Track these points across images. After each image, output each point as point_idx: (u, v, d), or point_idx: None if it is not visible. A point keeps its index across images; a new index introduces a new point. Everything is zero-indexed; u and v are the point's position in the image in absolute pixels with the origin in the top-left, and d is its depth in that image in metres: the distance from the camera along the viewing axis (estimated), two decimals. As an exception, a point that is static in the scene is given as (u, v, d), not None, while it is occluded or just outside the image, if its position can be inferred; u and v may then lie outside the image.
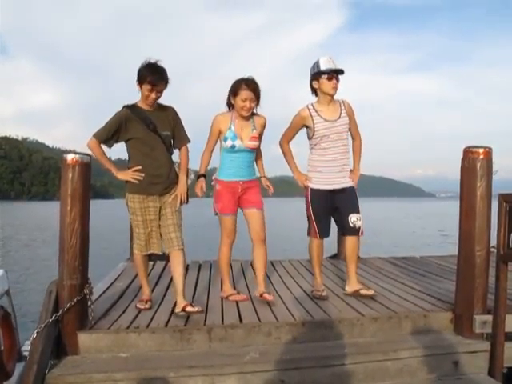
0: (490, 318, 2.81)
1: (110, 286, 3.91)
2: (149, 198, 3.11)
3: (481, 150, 2.81)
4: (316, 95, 3.50)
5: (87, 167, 2.78)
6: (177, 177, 3.21)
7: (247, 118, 3.33)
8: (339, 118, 3.44)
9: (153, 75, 2.92)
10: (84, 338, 2.73)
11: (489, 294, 2.91)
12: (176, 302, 3.08)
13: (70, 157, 2.73)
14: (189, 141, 3.29)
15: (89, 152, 3.00)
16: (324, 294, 3.46)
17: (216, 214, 3.41)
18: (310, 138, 3.50)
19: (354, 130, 3.54)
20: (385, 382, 2.63)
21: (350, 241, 3.51)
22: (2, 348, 3.52)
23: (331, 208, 3.49)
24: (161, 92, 3.02)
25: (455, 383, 2.66)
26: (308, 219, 3.57)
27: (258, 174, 3.56)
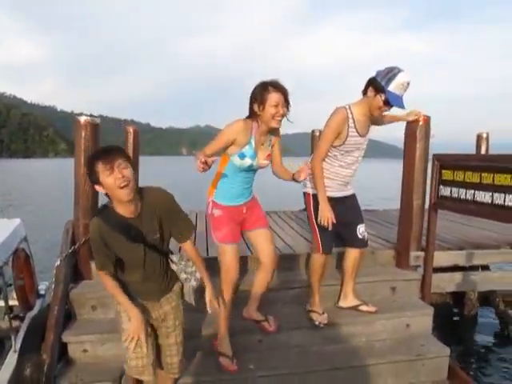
0: (422, 254, 3.51)
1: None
2: (147, 304, 2.23)
3: (420, 118, 3.36)
4: (364, 94, 2.77)
5: (97, 127, 3.35)
6: (176, 279, 2.28)
7: (266, 132, 2.63)
8: (367, 132, 2.91)
9: (103, 157, 1.86)
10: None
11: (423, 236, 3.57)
12: None
13: (82, 118, 3.29)
14: (193, 229, 2.25)
15: (96, 114, 3.37)
16: (326, 321, 3.04)
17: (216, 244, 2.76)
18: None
19: None
20: (335, 301, 3.33)
21: (356, 253, 3.12)
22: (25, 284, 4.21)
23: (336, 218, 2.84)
24: (129, 174, 1.86)
25: (392, 305, 3.37)
26: (311, 231, 3.04)
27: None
